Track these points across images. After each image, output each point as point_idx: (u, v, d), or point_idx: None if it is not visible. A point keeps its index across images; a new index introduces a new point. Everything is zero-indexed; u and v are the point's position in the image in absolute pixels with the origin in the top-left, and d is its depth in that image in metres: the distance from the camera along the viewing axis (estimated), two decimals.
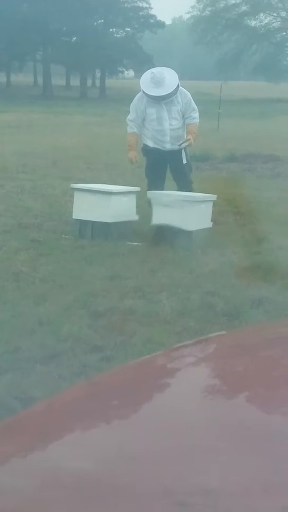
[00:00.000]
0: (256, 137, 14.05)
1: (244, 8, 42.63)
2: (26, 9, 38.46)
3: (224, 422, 0.85)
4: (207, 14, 43.03)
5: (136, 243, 5.39)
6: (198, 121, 6.15)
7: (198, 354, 1.18)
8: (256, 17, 43.28)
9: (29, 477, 0.78)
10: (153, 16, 45.01)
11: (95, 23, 44.43)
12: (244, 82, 46.71)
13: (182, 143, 6.08)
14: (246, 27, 42.81)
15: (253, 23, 43.59)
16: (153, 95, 5.98)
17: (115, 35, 46.06)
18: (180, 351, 1.23)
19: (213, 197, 5.76)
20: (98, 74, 47.66)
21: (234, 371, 1.07)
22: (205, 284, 4.31)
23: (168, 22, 62.08)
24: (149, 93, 6.00)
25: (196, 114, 6.12)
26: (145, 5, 44.30)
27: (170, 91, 5.98)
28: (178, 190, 6.06)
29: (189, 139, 6.06)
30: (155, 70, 6.22)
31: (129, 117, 6.18)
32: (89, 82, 46.37)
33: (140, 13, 44.79)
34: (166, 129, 6.06)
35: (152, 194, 5.77)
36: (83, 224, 5.69)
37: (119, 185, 6.46)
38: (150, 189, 5.99)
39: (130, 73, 49.62)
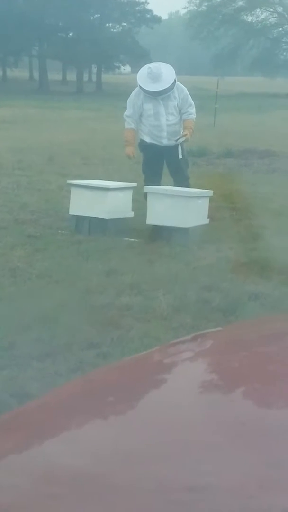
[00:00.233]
0: (252, 133, 14.05)
1: (240, 3, 42.58)
2: (22, 4, 38.31)
3: (220, 418, 0.85)
4: (204, 9, 42.97)
5: (132, 239, 5.39)
6: (194, 116, 6.14)
7: (194, 350, 1.18)
8: (253, 12, 43.23)
9: (25, 473, 0.78)
10: (150, 11, 44.94)
11: (91, 18, 44.31)
12: (240, 78, 46.67)
13: (178, 139, 6.08)
14: (242, 23, 42.76)
15: (249, 18, 43.57)
16: (150, 90, 5.97)
17: (112, 30, 45.94)
18: (177, 347, 1.23)
19: (210, 192, 5.76)
20: (94, 70, 47.54)
21: (230, 366, 1.07)
22: (202, 279, 4.32)
23: (164, 17, 61.87)
24: (146, 88, 5.99)
25: (192, 110, 6.11)
26: None
27: (167, 86, 5.97)
28: (175, 185, 6.06)
29: (185, 135, 6.06)
30: (152, 65, 6.21)
31: (126, 112, 6.17)
32: (85, 77, 46.26)
33: (137, 8, 44.68)
34: (163, 125, 6.06)
35: (149, 189, 5.77)
36: (79, 220, 5.69)
37: (115, 180, 6.45)
38: (147, 184, 5.98)
39: (127, 68, 49.50)
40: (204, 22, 42.00)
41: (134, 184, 6.01)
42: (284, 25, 43.35)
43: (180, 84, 6.15)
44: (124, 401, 0.94)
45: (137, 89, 6.12)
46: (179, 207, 5.47)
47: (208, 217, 5.68)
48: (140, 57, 36.16)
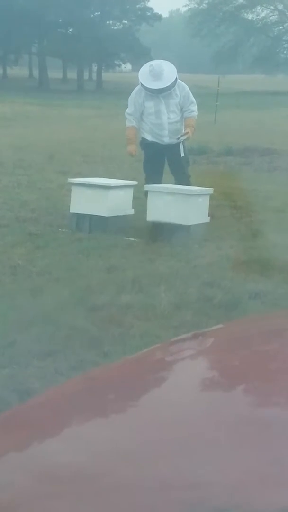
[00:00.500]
0: (253, 130, 14.03)
1: (241, 1, 42.50)
2: (22, 1, 38.24)
3: (221, 415, 0.85)
4: (204, 7, 42.90)
5: (133, 239, 5.39)
6: (196, 114, 6.14)
7: (195, 347, 1.18)
8: (253, 10, 43.15)
9: (25, 471, 0.78)
10: (150, 8, 44.91)
11: (92, 15, 44.25)
12: (241, 76, 46.64)
13: (180, 137, 6.07)
14: (243, 20, 42.70)
15: (250, 16, 43.49)
16: (152, 88, 5.96)
17: (112, 27, 45.91)
18: (177, 345, 1.23)
19: (210, 190, 5.76)
20: (94, 68, 47.51)
21: (231, 364, 1.06)
22: (203, 277, 4.31)
23: (165, 15, 61.87)
24: (147, 86, 5.98)
25: (194, 107, 6.11)
26: None
27: (169, 84, 5.97)
28: (176, 183, 6.06)
29: (187, 133, 6.05)
30: (153, 63, 6.20)
31: (128, 110, 6.17)
32: (85, 76, 46.21)
33: (137, 5, 44.63)
34: (164, 123, 6.05)
35: (150, 187, 5.77)
36: (80, 218, 5.69)
37: (116, 178, 6.45)
38: (148, 183, 5.98)
39: (127, 66, 49.45)
40: (205, 19, 41.93)
41: (134, 182, 6.01)
42: (284, 23, 43.27)
43: (181, 82, 6.14)
44: (125, 399, 0.94)
45: (138, 87, 6.11)
46: (180, 205, 5.47)
47: (208, 215, 5.68)
48: (140, 55, 36.13)
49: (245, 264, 4.52)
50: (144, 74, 6.05)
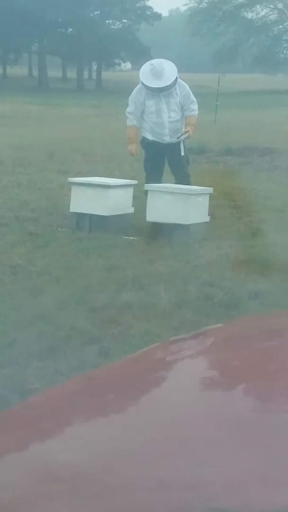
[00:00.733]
0: (253, 130, 14.03)
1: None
2: (21, 0, 38.21)
3: (221, 414, 0.85)
4: (204, 6, 42.86)
5: (132, 238, 5.39)
6: (197, 113, 6.14)
7: (195, 347, 1.18)
8: (253, 9, 43.12)
9: (25, 470, 0.78)
10: (150, 7, 44.87)
11: (91, 15, 44.22)
12: (241, 75, 46.61)
13: (180, 136, 6.07)
14: (242, 19, 42.66)
15: (249, 15, 43.46)
16: (153, 87, 5.96)
17: (112, 26, 45.86)
18: (177, 344, 1.23)
19: (210, 190, 5.76)
20: (94, 67, 47.47)
21: (231, 363, 1.07)
22: (203, 276, 4.31)
23: (165, 14, 61.81)
24: (148, 85, 5.98)
25: (195, 106, 6.11)
26: None
27: (169, 83, 5.97)
28: (176, 183, 6.06)
29: (188, 131, 6.05)
30: (154, 61, 6.20)
31: (128, 109, 6.16)
32: (85, 75, 46.17)
33: (137, 4, 44.60)
34: (165, 122, 6.05)
35: (149, 187, 5.77)
36: (80, 217, 5.69)
37: (116, 177, 6.45)
38: (148, 182, 5.98)
39: (127, 65, 49.40)
40: (205, 19, 41.90)
41: (134, 182, 6.01)
42: (284, 22, 43.23)
43: (182, 81, 6.14)
44: (125, 398, 0.94)
45: (139, 85, 6.11)
46: (180, 204, 5.47)
47: (208, 215, 5.68)
48: (141, 54, 36.12)
49: (245, 263, 4.52)
50: (145, 73, 6.05)
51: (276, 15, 43.53)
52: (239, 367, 1.04)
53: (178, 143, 6.09)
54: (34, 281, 4.24)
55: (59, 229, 5.70)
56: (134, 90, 6.16)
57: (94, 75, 47.22)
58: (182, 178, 6.12)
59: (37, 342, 3.22)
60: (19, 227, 5.70)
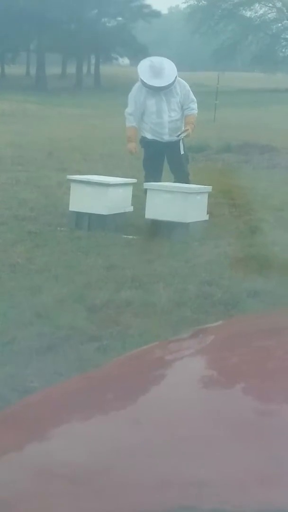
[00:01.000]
0: (253, 128, 14.02)
1: None
2: (21, 1, 38.17)
3: (221, 413, 0.85)
4: (204, 4, 42.81)
5: (131, 236, 5.39)
6: (196, 112, 6.14)
7: (194, 345, 1.18)
8: (252, 7, 43.07)
9: (25, 469, 0.78)
10: (148, 6, 44.78)
11: (88, 13, 44.15)
12: (240, 73, 46.58)
13: (180, 134, 6.07)
14: (241, 18, 42.61)
15: (248, 13, 43.40)
16: (154, 86, 5.94)
17: (107, 24, 45.75)
18: (177, 342, 1.23)
19: (209, 188, 5.76)
20: (93, 61, 47.36)
21: (230, 362, 1.06)
22: (202, 275, 4.32)
23: (164, 11, 61.78)
24: (149, 83, 5.95)
25: (194, 105, 6.11)
26: None
27: (170, 82, 5.96)
28: (176, 181, 6.06)
29: (187, 130, 6.05)
30: (153, 59, 6.19)
31: (128, 110, 6.13)
32: (84, 69, 46.06)
33: (134, 3, 44.50)
34: (165, 122, 6.05)
35: (148, 185, 5.77)
36: (79, 216, 5.69)
37: (115, 176, 6.45)
38: (147, 180, 5.98)
39: (125, 61, 49.30)
40: (205, 16, 41.85)
41: (134, 180, 6.01)
42: (283, 21, 43.19)
43: (181, 80, 6.14)
44: (124, 397, 0.94)
45: (138, 83, 6.08)
46: (178, 202, 5.47)
47: (207, 213, 5.68)
48: (137, 52, 36.06)
49: (244, 262, 4.52)
50: (145, 71, 6.01)
51: (274, 13, 43.48)
52: (239, 366, 1.04)
53: (177, 142, 6.09)
54: (33, 279, 4.24)
55: (58, 228, 5.70)
56: (134, 89, 6.13)
57: (92, 69, 47.01)
58: (181, 176, 6.12)
59: (36, 340, 3.22)
60: (18, 226, 5.70)
